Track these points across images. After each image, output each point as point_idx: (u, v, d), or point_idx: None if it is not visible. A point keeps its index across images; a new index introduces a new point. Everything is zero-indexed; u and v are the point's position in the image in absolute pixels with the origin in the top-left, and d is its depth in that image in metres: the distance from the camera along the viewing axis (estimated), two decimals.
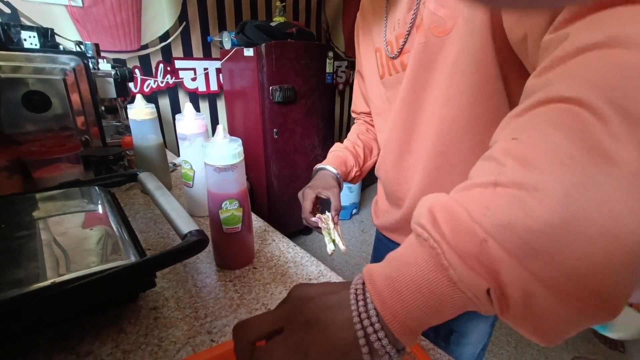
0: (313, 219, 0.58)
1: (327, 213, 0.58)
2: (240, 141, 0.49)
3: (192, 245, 0.43)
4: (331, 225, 0.56)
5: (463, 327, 0.60)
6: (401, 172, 0.58)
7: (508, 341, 1.50)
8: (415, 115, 0.51)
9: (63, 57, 0.80)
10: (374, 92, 0.62)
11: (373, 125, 0.71)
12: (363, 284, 0.25)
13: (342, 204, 0.62)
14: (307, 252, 0.60)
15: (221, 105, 2.16)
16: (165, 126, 1.91)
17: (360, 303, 0.23)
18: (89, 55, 1.04)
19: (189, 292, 0.48)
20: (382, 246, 0.73)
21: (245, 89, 1.88)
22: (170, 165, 0.95)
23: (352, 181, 0.72)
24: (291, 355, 0.23)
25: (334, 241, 0.55)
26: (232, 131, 2.17)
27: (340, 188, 0.63)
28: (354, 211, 2.63)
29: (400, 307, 0.22)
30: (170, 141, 1.93)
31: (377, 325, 0.22)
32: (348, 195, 2.50)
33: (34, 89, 0.76)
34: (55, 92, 0.80)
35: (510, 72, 0.40)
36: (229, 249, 0.53)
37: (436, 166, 0.50)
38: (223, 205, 0.49)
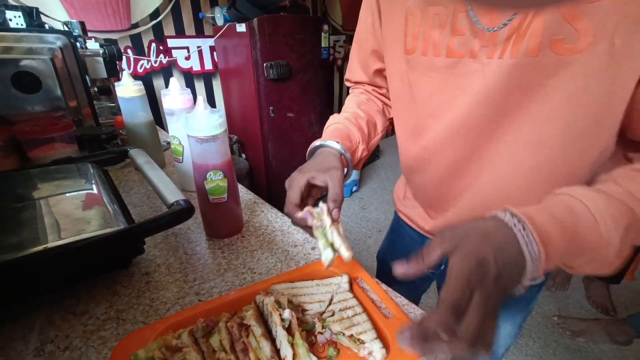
0: (300, 214, 0.40)
1: (320, 205, 0.41)
2: (221, 112, 0.49)
3: (178, 213, 0.45)
4: (327, 221, 0.39)
5: None
6: (447, 188, 0.49)
7: None
8: (482, 147, 0.41)
9: (49, 37, 0.80)
10: (393, 67, 0.48)
11: (375, 96, 0.61)
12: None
13: None
14: None
15: (217, 85, 2.14)
16: (161, 108, 1.91)
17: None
18: (75, 34, 1.03)
19: (179, 259, 0.51)
20: (402, 230, 0.66)
21: (240, 67, 1.86)
22: (163, 143, 0.96)
23: (356, 166, 0.54)
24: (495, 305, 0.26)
25: (331, 245, 0.38)
26: (228, 111, 2.16)
27: (344, 170, 0.45)
28: (354, 188, 2.64)
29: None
30: (165, 122, 1.94)
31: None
32: None
33: (23, 70, 0.76)
34: (45, 73, 0.80)
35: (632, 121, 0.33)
36: (217, 218, 0.55)
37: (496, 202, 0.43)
38: (207, 176, 0.50)
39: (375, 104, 0.60)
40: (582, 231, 0.29)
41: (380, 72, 0.57)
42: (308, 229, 0.41)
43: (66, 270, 0.40)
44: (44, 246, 0.37)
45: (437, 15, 0.38)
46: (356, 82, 0.63)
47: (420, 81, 0.44)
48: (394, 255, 0.74)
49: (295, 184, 0.42)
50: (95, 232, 0.41)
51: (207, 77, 2.09)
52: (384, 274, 0.77)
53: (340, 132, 0.51)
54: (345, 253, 0.38)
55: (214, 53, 2.04)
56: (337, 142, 0.48)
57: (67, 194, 0.54)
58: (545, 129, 0.35)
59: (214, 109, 0.49)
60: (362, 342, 0.35)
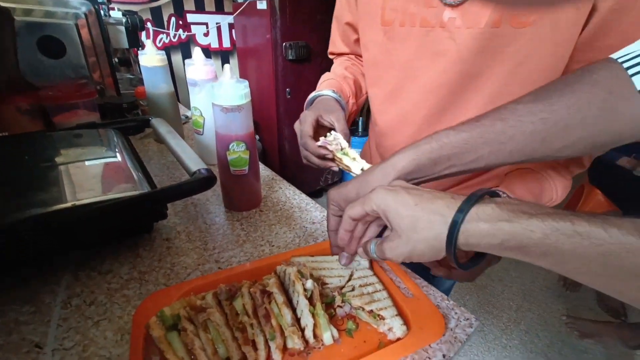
0: (318, 143, 0.45)
1: (333, 133, 0.46)
2: (247, 82, 0.48)
3: (201, 181, 0.45)
4: (345, 143, 0.45)
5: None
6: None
7: (510, 305, 1.54)
8: (454, 104, 0.46)
9: (74, 1, 0.80)
10: (369, 38, 0.52)
11: (358, 62, 0.65)
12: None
13: None
14: (312, 200, 0.61)
15: (234, 63, 2.12)
16: (178, 83, 1.91)
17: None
18: (99, 0, 1.02)
19: (198, 228, 0.51)
20: None
21: (258, 46, 1.83)
22: (182, 117, 0.96)
23: (347, 120, 0.60)
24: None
25: (354, 159, 0.44)
26: None
27: (345, 114, 0.52)
28: None
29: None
30: (183, 97, 1.94)
31: None
32: None
33: (48, 34, 0.76)
34: (69, 39, 0.80)
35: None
36: (237, 190, 0.55)
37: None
38: (230, 147, 0.50)
39: (358, 68, 0.66)
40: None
41: (359, 42, 0.60)
42: (324, 160, 0.46)
43: (92, 229, 0.41)
44: (72, 203, 0.38)
45: None
46: (339, 54, 0.68)
47: (399, 49, 0.48)
48: None
49: (308, 118, 0.47)
50: (120, 194, 0.41)
51: (224, 55, 2.07)
52: None
53: (333, 85, 0.57)
54: (366, 164, 0.43)
55: (233, 31, 2.02)
56: (334, 91, 0.55)
57: (93, 160, 0.54)
58: (506, 85, 0.41)
59: (240, 79, 0.48)
60: (382, 318, 0.35)
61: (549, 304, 1.55)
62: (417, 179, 0.35)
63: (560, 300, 1.56)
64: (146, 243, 0.47)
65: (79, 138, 0.58)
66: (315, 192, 2.31)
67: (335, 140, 0.45)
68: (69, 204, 0.38)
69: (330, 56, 0.70)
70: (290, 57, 1.72)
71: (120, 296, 0.38)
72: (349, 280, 0.40)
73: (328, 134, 0.47)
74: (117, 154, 0.56)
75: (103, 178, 0.46)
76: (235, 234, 0.51)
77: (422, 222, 0.26)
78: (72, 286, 0.39)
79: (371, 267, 0.42)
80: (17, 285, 0.39)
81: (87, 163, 0.49)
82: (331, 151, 0.45)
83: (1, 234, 0.32)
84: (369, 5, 0.50)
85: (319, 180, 2.25)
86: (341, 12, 0.60)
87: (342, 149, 0.45)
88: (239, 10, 1.81)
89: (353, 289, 0.38)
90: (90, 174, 0.47)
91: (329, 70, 0.65)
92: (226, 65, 0.47)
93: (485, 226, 0.24)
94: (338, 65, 0.66)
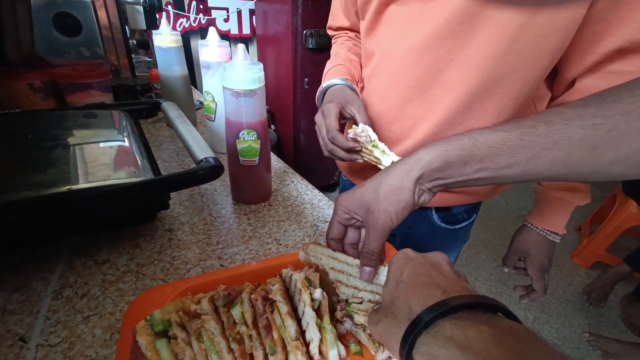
0: (349, 136, 0.44)
1: (360, 125, 0.45)
2: (261, 65, 0.44)
3: (206, 170, 0.41)
4: (374, 135, 0.44)
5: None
6: (403, 117, 0.49)
7: (526, 316, 1.47)
8: (445, 62, 0.43)
9: None
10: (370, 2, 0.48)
11: (359, 41, 0.61)
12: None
13: None
14: (325, 196, 0.57)
15: (253, 51, 2.08)
16: (196, 68, 1.89)
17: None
18: None
19: (203, 220, 0.48)
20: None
21: (278, 34, 1.78)
22: (196, 102, 0.93)
23: None
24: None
25: (383, 152, 0.43)
26: None
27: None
28: None
29: None
30: (200, 83, 1.93)
31: None
32: None
33: (64, 10, 0.75)
34: (85, 16, 0.78)
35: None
36: (245, 182, 0.51)
37: (450, 123, 0.46)
38: (240, 135, 0.46)
39: (360, 48, 0.60)
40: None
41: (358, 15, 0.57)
42: (351, 153, 0.45)
43: (89, 214, 0.38)
44: (68, 187, 0.35)
45: None
46: (338, 28, 0.65)
47: (397, 10, 0.45)
48: None
49: (332, 112, 0.45)
50: (121, 180, 0.38)
51: (244, 42, 2.03)
52: None
53: (342, 72, 0.55)
54: (397, 157, 0.42)
55: (253, 17, 1.98)
56: (347, 79, 0.52)
57: (98, 143, 0.52)
58: (492, 45, 0.39)
59: (255, 62, 0.44)
60: (382, 345, 0.30)
61: (569, 319, 1.46)
62: (442, 180, 0.31)
63: (581, 315, 1.48)
64: (147, 233, 0.45)
65: (86, 118, 0.55)
66: (328, 187, 2.27)
67: (364, 132, 0.43)
68: (65, 188, 0.35)
69: (329, 32, 0.68)
70: (311, 46, 1.67)
71: (114, 289, 0.36)
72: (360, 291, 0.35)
73: (354, 126, 0.45)
74: (124, 137, 0.53)
75: (105, 162, 0.44)
76: (242, 228, 0.48)
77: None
78: (66, 275, 0.37)
79: None
80: (9, 270, 0.37)
81: (91, 145, 0.47)
82: (361, 144, 0.44)
83: None
84: None
85: (332, 174, 2.21)
86: None
87: (371, 141, 0.43)
88: None
89: (361, 302, 0.33)
90: (93, 156, 0.44)
91: None
92: (240, 45, 0.43)
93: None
94: (340, 46, 0.63)
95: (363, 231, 0.36)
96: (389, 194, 0.30)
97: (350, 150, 0.44)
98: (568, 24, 0.36)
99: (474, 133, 0.29)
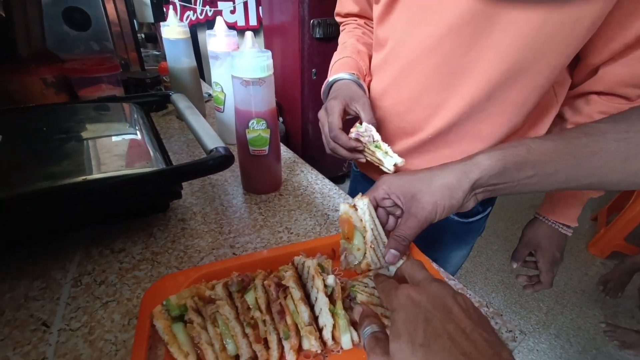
0: (351, 135, 0.43)
1: (363, 124, 0.44)
2: (269, 53, 0.44)
3: (217, 159, 0.41)
4: (377, 136, 0.42)
5: (445, 257, 0.64)
6: (419, 107, 0.48)
7: (539, 307, 1.45)
8: (466, 49, 0.40)
9: None
10: None
11: (368, 29, 0.59)
12: None
13: None
14: (336, 186, 0.57)
15: (260, 43, 2.07)
16: (204, 61, 1.89)
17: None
18: None
19: (215, 210, 0.49)
20: (360, 187, 0.68)
21: (285, 24, 1.76)
22: (204, 95, 0.94)
23: None
24: None
25: (386, 154, 0.41)
26: None
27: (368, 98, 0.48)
28: None
29: None
30: (208, 76, 1.93)
31: None
32: None
33: (73, 5, 0.75)
34: (94, 10, 0.79)
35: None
36: (255, 172, 0.52)
37: (470, 113, 0.44)
38: (250, 125, 0.46)
39: (369, 37, 0.59)
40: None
41: (368, 0, 0.55)
42: (355, 152, 0.44)
43: (104, 204, 0.39)
44: (83, 178, 0.36)
45: None
46: (346, 15, 0.62)
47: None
48: None
49: (335, 109, 0.44)
50: (134, 171, 0.39)
51: None
52: None
53: (350, 65, 0.52)
54: (400, 160, 0.41)
55: (260, 8, 1.96)
56: (353, 74, 0.50)
57: (109, 135, 0.53)
58: (518, 30, 0.37)
59: (264, 50, 0.44)
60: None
61: (584, 309, 1.44)
62: (497, 186, 0.31)
63: (597, 305, 1.45)
64: (161, 223, 0.45)
65: (98, 111, 0.56)
66: (337, 178, 2.26)
67: (367, 132, 0.43)
68: (81, 178, 0.36)
69: (337, 18, 0.65)
70: (318, 35, 1.64)
71: (130, 277, 0.37)
72: (368, 270, 0.35)
73: (358, 124, 0.44)
74: (136, 130, 0.54)
75: (118, 153, 0.44)
76: (253, 218, 0.48)
77: None
78: (84, 263, 0.38)
79: None
80: (30, 260, 0.38)
81: (103, 137, 0.47)
82: (364, 144, 0.43)
83: (5, 207, 0.30)
84: None
85: (341, 166, 2.20)
86: None
87: (374, 141, 0.42)
88: None
89: (366, 286, 0.33)
90: (105, 148, 0.45)
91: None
92: (248, 33, 0.43)
93: None
94: (348, 35, 0.60)
95: (391, 218, 0.36)
96: (444, 188, 0.31)
97: (352, 150, 0.43)
98: (600, 7, 0.34)
99: (527, 141, 0.31)
